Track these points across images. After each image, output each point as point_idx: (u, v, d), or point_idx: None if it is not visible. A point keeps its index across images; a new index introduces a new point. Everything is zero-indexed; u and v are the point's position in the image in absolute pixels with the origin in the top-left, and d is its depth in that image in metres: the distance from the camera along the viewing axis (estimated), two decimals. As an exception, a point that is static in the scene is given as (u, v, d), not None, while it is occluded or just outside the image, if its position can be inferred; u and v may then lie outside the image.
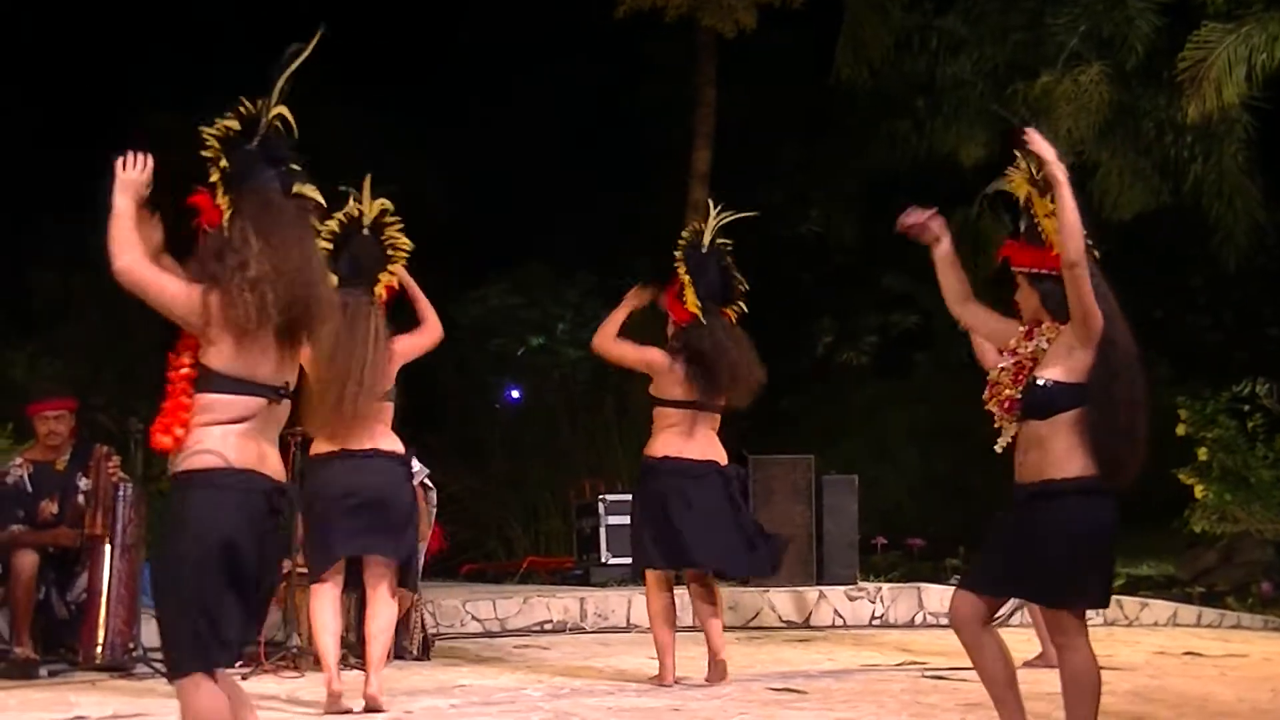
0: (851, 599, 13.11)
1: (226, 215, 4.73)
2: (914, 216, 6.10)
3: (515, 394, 21.11)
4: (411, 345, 8.20)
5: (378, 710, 7.75)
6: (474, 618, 12.07)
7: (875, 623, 13.02)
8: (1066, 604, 5.82)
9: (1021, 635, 9.89)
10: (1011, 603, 8.11)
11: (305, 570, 8.52)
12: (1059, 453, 5.66)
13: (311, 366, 7.57)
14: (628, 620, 12.46)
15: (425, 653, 10.19)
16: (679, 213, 17.79)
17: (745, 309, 9.07)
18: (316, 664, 9.17)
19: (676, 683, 8.86)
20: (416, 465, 10.08)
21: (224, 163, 4.75)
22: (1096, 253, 5.82)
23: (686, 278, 8.88)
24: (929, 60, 18.55)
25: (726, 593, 12.58)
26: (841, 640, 11.89)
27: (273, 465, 4.76)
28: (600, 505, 14.02)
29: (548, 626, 12.31)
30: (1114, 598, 13.51)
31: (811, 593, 13.07)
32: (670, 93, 20.73)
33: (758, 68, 20.63)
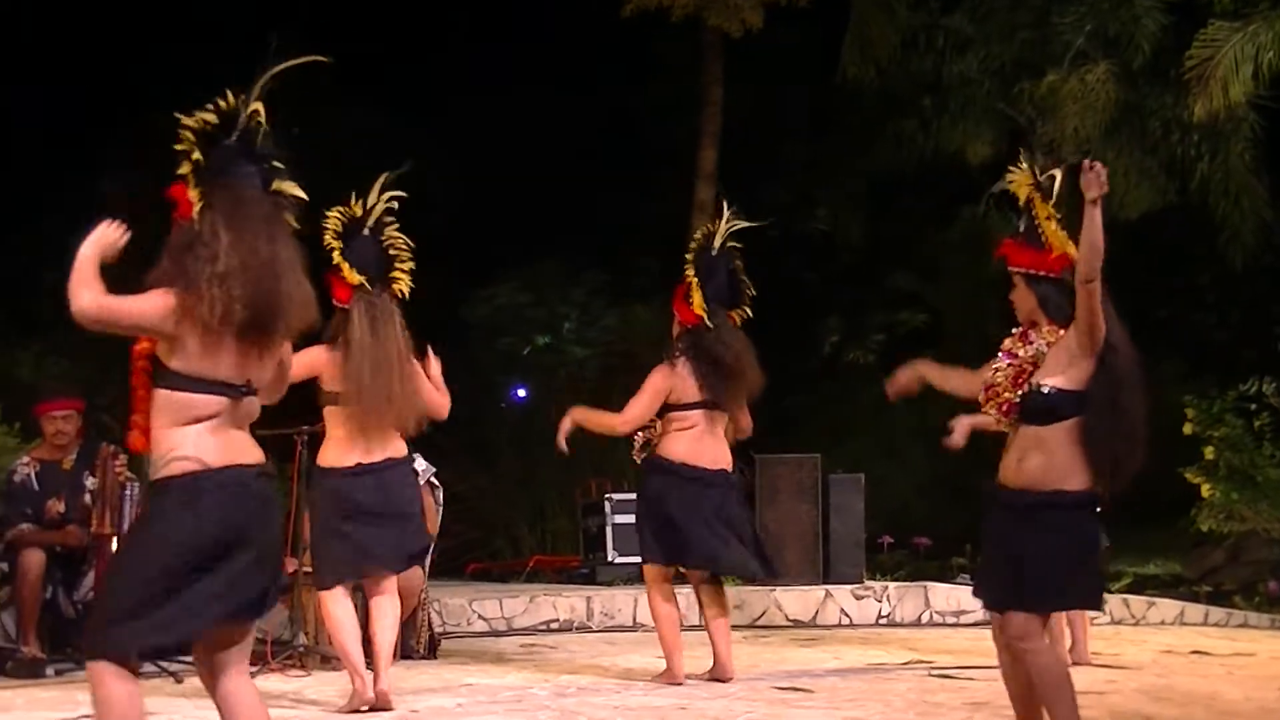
0: (858, 598, 13.11)
1: (197, 209, 4.67)
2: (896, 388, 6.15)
3: (522, 393, 21.09)
4: (428, 385, 8.15)
5: (387, 708, 7.75)
6: (480, 617, 12.08)
7: (882, 622, 13.02)
8: (1050, 609, 5.87)
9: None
10: None
11: (309, 570, 8.52)
12: (1064, 462, 5.68)
13: (340, 368, 7.62)
14: (634, 619, 12.46)
15: (431, 651, 10.19)
16: (685, 212, 17.80)
17: (750, 313, 9.10)
18: (324, 663, 9.20)
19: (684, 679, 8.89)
20: (423, 464, 10.11)
21: (196, 155, 4.69)
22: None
23: (694, 280, 8.91)
24: (935, 59, 18.54)
25: (733, 592, 12.59)
26: (848, 639, 11.89)
27: (251, 453, 4.72)
28: (606, 504, 14.01)
29: (554, 625, 12.32)
30: (1121, 597, 13.67)
31: (818, 592, 13.08)
32: (677, 92, 20.73)
33: (764, 67, 20.62)
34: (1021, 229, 6.03)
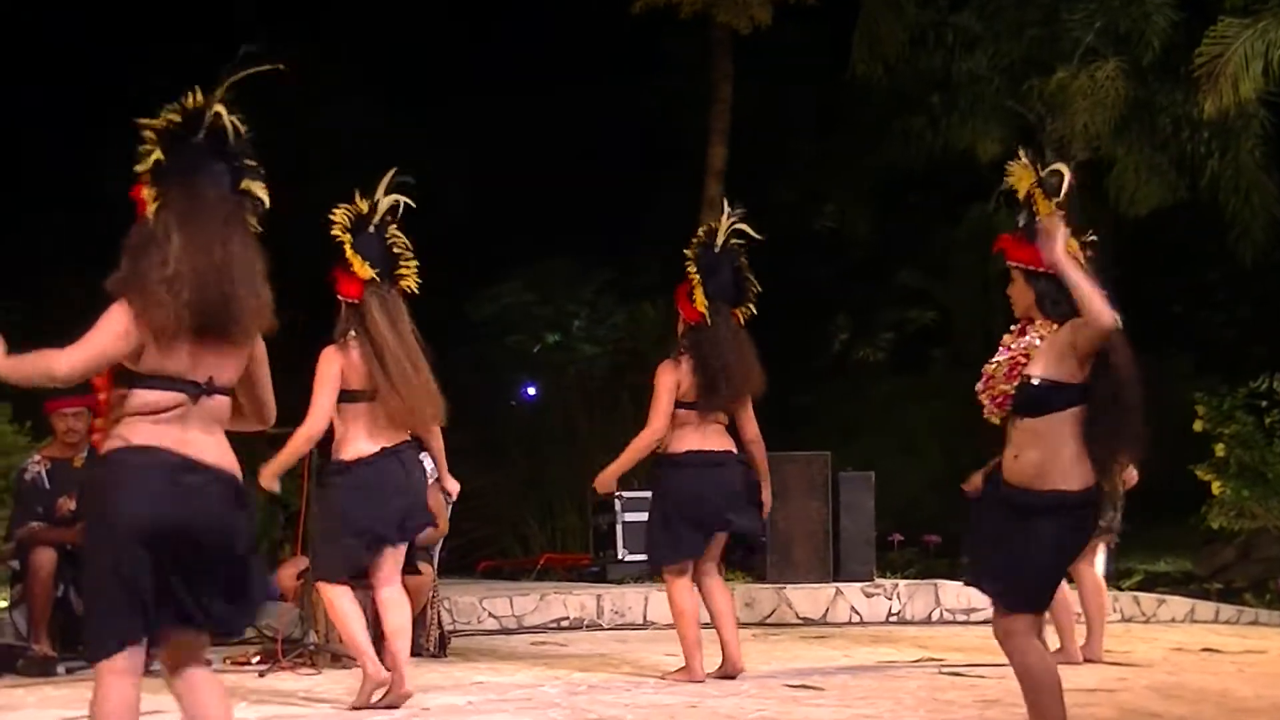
0: (868, 595, 13.11)
1: (152, 209, 4.64)
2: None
3: (531, 391, 21.12)
4: None
5: (398, 706, 7.76)
6: (491, 614, 12.08)
7: (892, 619, 13.02)
8: (1040, 609, 5.88)
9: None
10: None
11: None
12: (1062, 458, 5.68)
13: (365, 364, 7.63)
14: (644, 617, 12.47)
15: (442, 649, 10.20)
16: (694, 209, 17.79)
17: (755, 310, 9.10)
18: (334, 661, 9.21)
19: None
20: (431, 463, 10.10)
21: (156, 155, 4.65)
22: (1089, 252, 5.85)
23: (696, 278, 8.91)
24: (944, 56, 18.53)
25: (743, 589, 12.63)
26: (858, 637, 11.88)
27: (199, 449, 4.63)
28: (617, 502, 13.99)
29: (564, 623, 12.32)
30: (1132, 594, 13.66)
31: (828, 589, 13.07)
32: (685, 89, 20.75)
33: (773, 64, 20.64)
34: (1021, 224, 6.04)
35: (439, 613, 10.31)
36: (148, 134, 4.67)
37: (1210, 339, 22.30)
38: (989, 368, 5.96)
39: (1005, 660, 6.04)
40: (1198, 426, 14.77)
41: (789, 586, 13.00)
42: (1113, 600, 13.23)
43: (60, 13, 21.26)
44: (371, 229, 7.80)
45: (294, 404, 7.84)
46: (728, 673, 9.01)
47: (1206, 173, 17.75)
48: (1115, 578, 14.04)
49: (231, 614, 4.78)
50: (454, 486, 8.81)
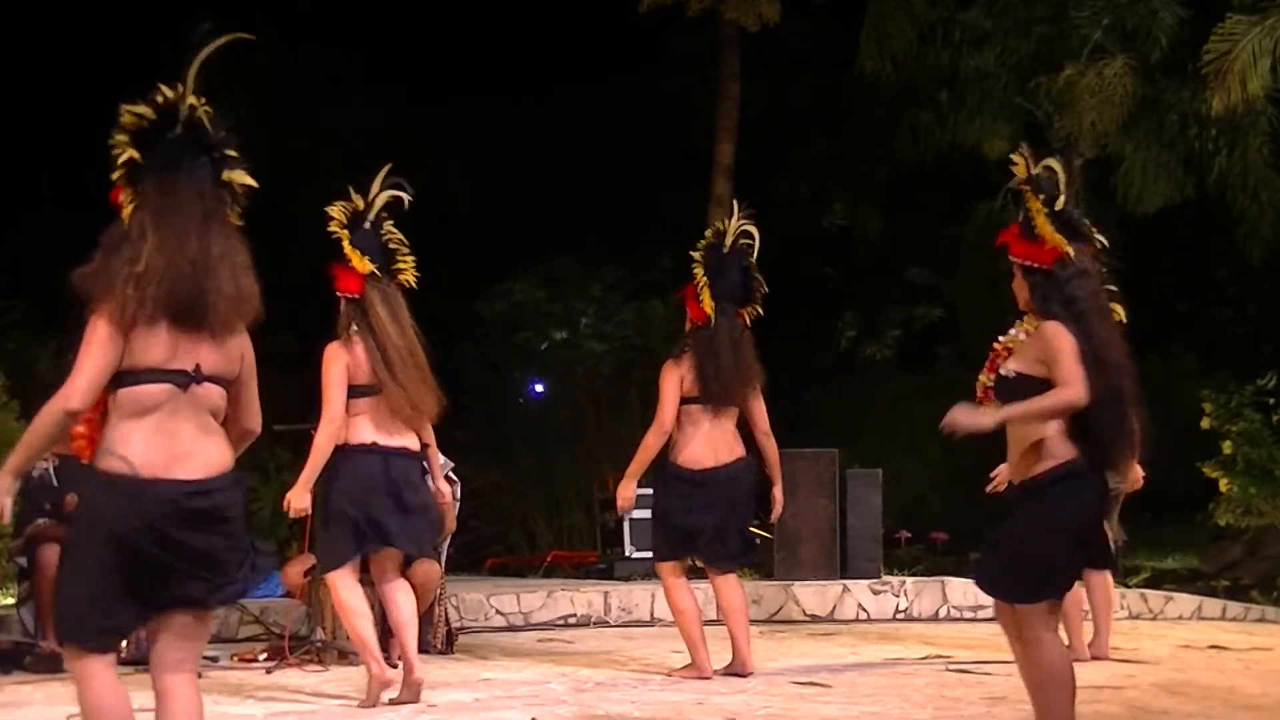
0: (875, 593, 13.10)
1: (127, 208, 4.62)
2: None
3: (539, 388, 21.12)
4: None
5: (416, 700, 7.77)
6: (498, 611, 12.08)
7: (899, 616, 13.01)
8: (1039, 599, 5.85)
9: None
10: None
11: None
12: (1041, 447, 5.73)
13: (368, 357, 7.64)
14: (651, 614, 12.46)
15: (449, 646, 10.21)
16: (702, 207, 17.82)
17: (761, 311, 9.12)
18: (341, 658, 9.22)
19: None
20: (440, 459, 10.11)
21: (130, 154, 4.62)
22: (1088, 251, 5.89)
23: (703, 279, 8.94)
24: (952, 53, 18.54)
25: (750, 586, 12.61)
26: (865, 634, 11.88)
27: (192, 465, 4.60)
28: (624, 500, 14.01)
29: (571, 620, 12.32)
30: (1139, 591, 13.63)
31: (835, 586, 13.06)
32: (693, 87, 20.74)
33: (781, 61, 20.64)
34: (1020, 219, 6.09)
35: (446, 609, 10.32)
36: (120, 135, 4.64)
37: (1218, 336, 22.27)
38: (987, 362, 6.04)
39: (1012, 657, 6.04)
40: (1205, 424, 14.77)
41: (796, 583, 13.00)
42: (1120, 597, 13.22)
43: (60, 12, 21.36)
44: (367, 225, 7.80)
45: (288, 401, 7.87)
46: (736, 671, 9.02)
47: (1214, 170, 17.75)
48: (1122, 575, 14.04)
49: (231, 586, 4.74)
50: (445, 489, 8.78)
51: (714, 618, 9.50)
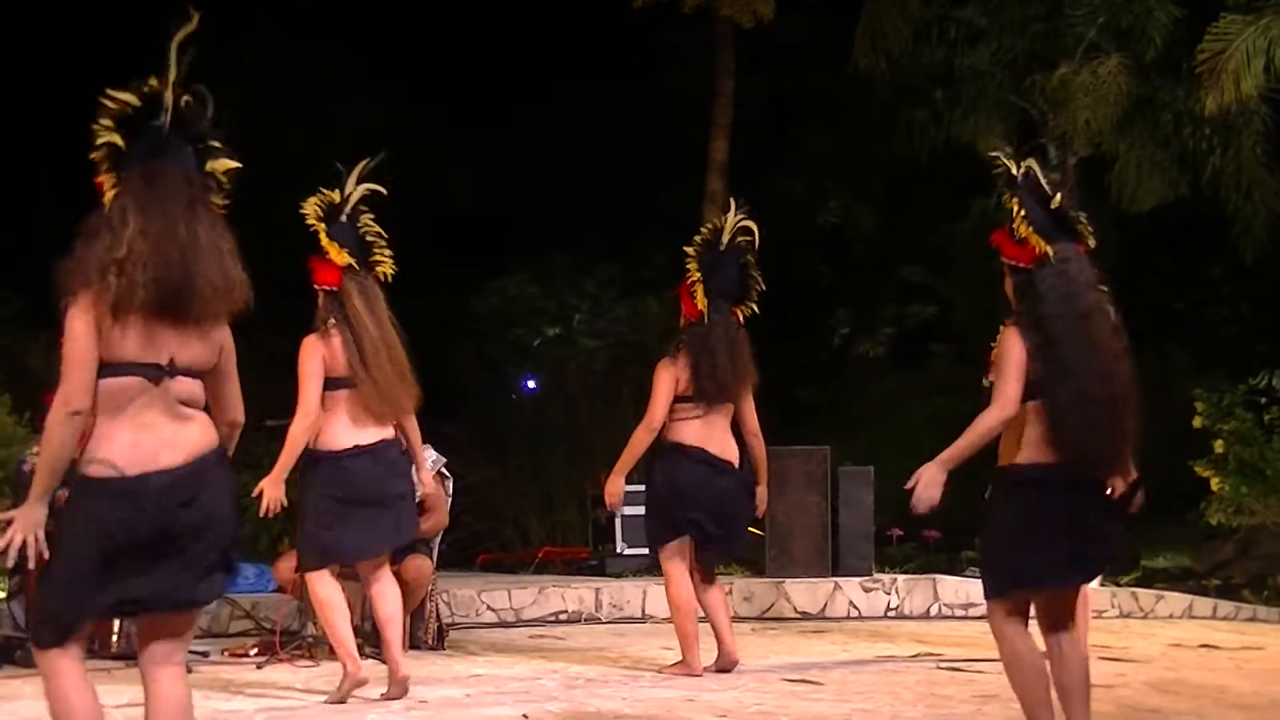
0: (867, 590, 13.11)
1: (109, 195, 4.61)
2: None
3: (532, 384, 21.12)
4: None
5: (403, 695, 7.77)
6: (489, 608, 12.08)
7: (890, 614, 13.02)
8: (995, 595, 5.91)
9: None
10: None
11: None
12: (1018, 441, 5.80)
13: (345, 351, 7.64)
14: (643, 611, 12.47)
15: (440, 642, 10.20)
16: (696, 203, 17.83)
17: (756, 309, 9.12)
18: (332, 654, 9.18)
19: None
20: (433, 455, 10.11)
21: (111, 139, 4.60)
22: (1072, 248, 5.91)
23: (697, 276, 8.94)
24: (947, 51, 18.52)
25: (741, 584, 12.63)
26: (857, 632, 11.89)
27: (174, 452, 4.59)
28: (617, 497, 14.01)
29: (563, 616, 12.33)
30: (1130, 590, 13.64)
31: (827, 584, 13.07)
32: (688, 83, 20.75)
33: (776, 58, 20.64)
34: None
35: (438, 605, 10.32)
36: (104, 120, 4.62)
37: (1212, 335, 22.29)
38: None
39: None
40: (1197, 423, 14.80)
41: (788, 581, 13.01)
42: (1111, 596, 13.25)
43: (60, 12, 21.36)
44: (344, 218, 7.78)
45: (285, 398, 7.86)
46: (723, 665, 9.04)
47: (1208, 169, 17.74)
48: (1113, 573, 14.05)
49: (211, 585, 4.73)
50: (428, 482, 8.76)
51: (700, 616, 9.49)
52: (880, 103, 19.62)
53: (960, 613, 12.96)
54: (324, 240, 7.67)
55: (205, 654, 9.47)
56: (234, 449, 4.90)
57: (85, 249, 4.56)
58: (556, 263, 21.92)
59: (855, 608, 13.00)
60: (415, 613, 9.95)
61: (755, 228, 9.17)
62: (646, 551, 9.68)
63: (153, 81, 4.65)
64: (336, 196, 7.77)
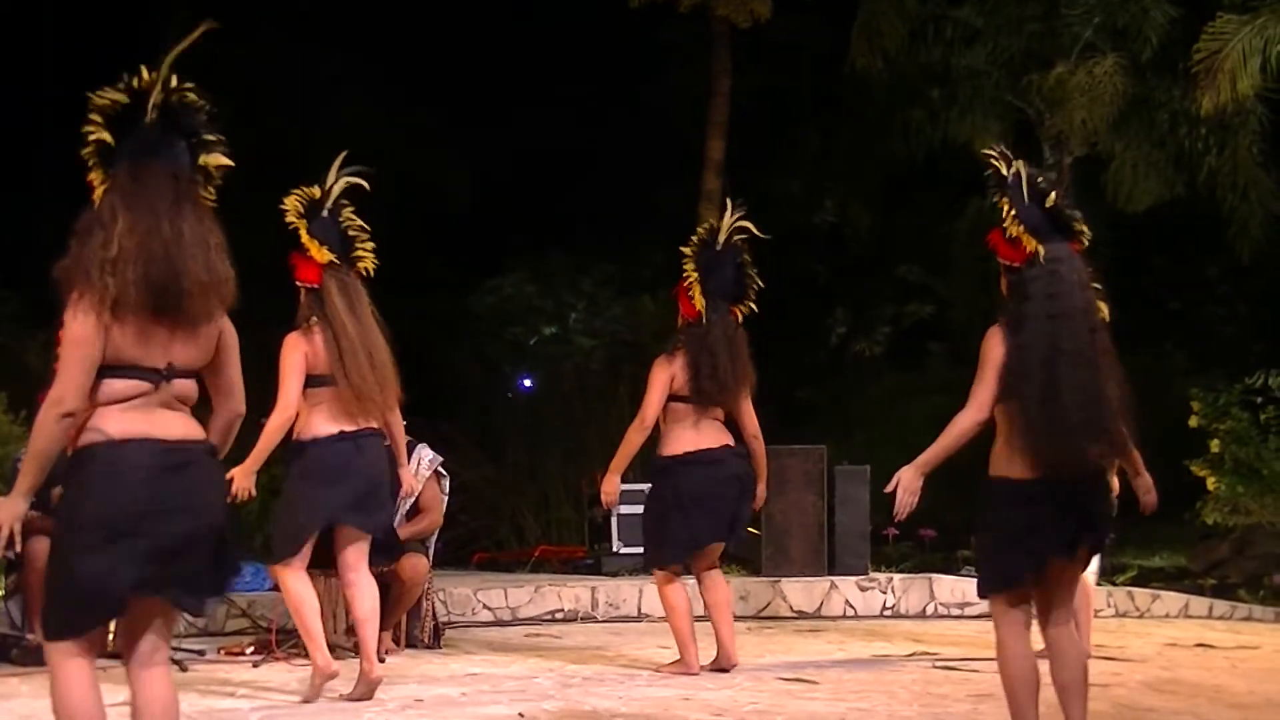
0: (863, 589, 13.12)
1: (99, 191, 4.61)
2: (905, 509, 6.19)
3: (528, 383, 21.13)
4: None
5: (369, 697, 7.73)
6: (485, 606, 12.09)
7: (887, 613, 13.02)
8: (984, 594, 5.99)
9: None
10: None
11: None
12: (999, 448, 5.90)
13: (325, 348, 7.63)
14: (639, 610, 12.48)
15: (436, 641, 10.20)
16: (693, 203, 17.84)
17: (755, 309, 9.13)
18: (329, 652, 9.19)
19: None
20: (430, 453, 10.12)
21: (100, 136, 4.60)
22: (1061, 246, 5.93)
23: (694, 276, 8.94)
24: (944, 50, 18.53)
25: (738, 583, 12.62)
26: (853, 631, 11.90)
27: (173, 428, 4.62)
28: (613, 495, 14.01)
29: (559, 615, 12.33)
30: (1126, 589, 13.66)
31: (823, 583, 13.08)
32: (685, 82, 20.76)
33: (772, 57, 20.64)
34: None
35: (434, 604, 10.32)
36: (94, 117, 4.62)
37: (1207, 335, 22.30)
38: None
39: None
40: (1193, 422, 14.80)
41: (784, 579, 13.01)
42: (1107, 595, 13.27)
43: (60, 12, 21.35)
44: (325, 213, 7.76)
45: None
46: (721, 665, 9.04)
47: (1204, 169, 17.76)
48: (1109, 573, 14.07)
49: (208, 585, 4.74)
50: (409, 480, 8.73)
51: (699, 614, 9.50)
52: (877, 102, 19.62)
53: (956, 612, 12.97)
54: (304, 237, 7.65)
55: (201, 652, 9.47)
56: (231, 442, 4.92)
57: (80, 248, 4.57)
58: (553, 262, 21.94)
59: (851, 607, 13.01)
60: (411, 611, 9.96)
61: (752, 227, 9.17)
62: (642, 551, 9.67)
63: (143, 74, 4.64)
64: (317, 192, 7.76)
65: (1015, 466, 5.77)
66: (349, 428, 7.75)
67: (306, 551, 7.84)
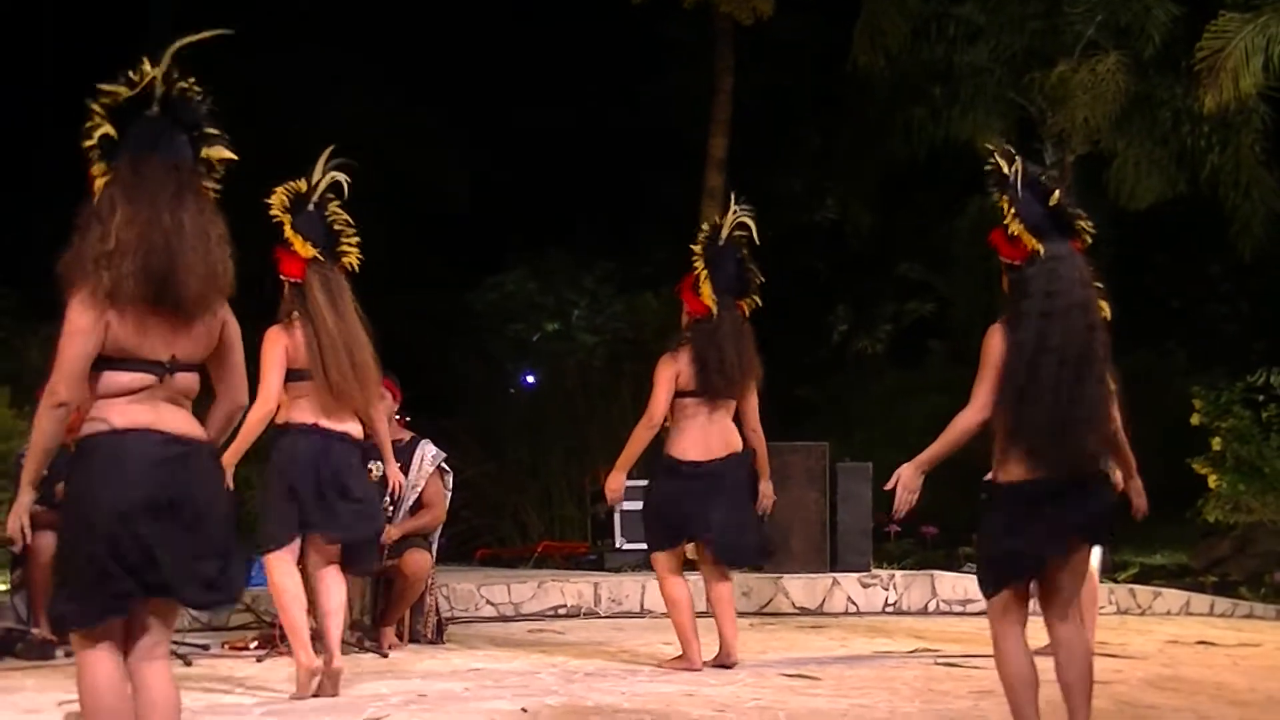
0: (865, 586, 13.12)
1: (99, 184, 4.62)
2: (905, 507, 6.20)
3: (530, 379, 21.15)
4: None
5: (334, 692, 7.70)
6: (488, 602, 12.09)
7: (889, 610, 13.03)
8: (985, 593, 5.99)
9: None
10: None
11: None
12: (996, 450, 5.88)
13: (306, 343, 7.62)
14: (641, 605, 12.48)
15: (439, 636, 10.21)
16: (695, 200, 17.85)
17: (760, 303, 9.13)
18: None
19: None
20: (433, 449, 10.13)
21: (104, 130, 4.61)
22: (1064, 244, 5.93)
23: (703, 271, 8.94)
24: (946, 48, 18.55)
25: (739, 579, 12.61)
26: (855, 627, 11.90)
27: (174, 422, 4.66)
28: (616, 492, 14.02)
29: (562, 611, 12.34)
30: (1127, 587, 13.67)
31: (825, 579, 13.09)
32: (687, 80, 20.77)
33: (775, 55, 20.65)
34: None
35: (437, 600, 10.33)
36: (96, 110, 4.63)
37: (1210, 333, 22.31)
38: None
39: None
40: (1195, 420, 14.82)
41: (786, 576, 13.01)
42: (1108, 592, 13.27)
43: (60, 12, 21.36)
44: (311, 207, 7.75)
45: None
46: (723, 661, 9.04)
47: (1206, 167, 17.78)
48: (1111, 570, 14.08)
49: (215, 584, 4.74)
50: (395, 476, 8.71)
51: (701, 609, 9.52)
52: (879, 100, 19.65)
53: (958, 608, 12.98)
54: (288, 231, 7.63)
55: (205, 647, 9.48)
56: (230, 434, 4.94)
57: (81, 241, 4.59)
58: (555, 259, 21.96)
59: (853, 603, 13.02)
60: (415, 607, 9.98)
61: (752, 224, 9.17)
62: (645, 546, 9.67)
63: (145, 69, 4.66)
64: (303, 186, 7.75)
65: (1010, 466, 5.78)
66: (325, 424, 7.74)
67: (294, 546, 7.84)
